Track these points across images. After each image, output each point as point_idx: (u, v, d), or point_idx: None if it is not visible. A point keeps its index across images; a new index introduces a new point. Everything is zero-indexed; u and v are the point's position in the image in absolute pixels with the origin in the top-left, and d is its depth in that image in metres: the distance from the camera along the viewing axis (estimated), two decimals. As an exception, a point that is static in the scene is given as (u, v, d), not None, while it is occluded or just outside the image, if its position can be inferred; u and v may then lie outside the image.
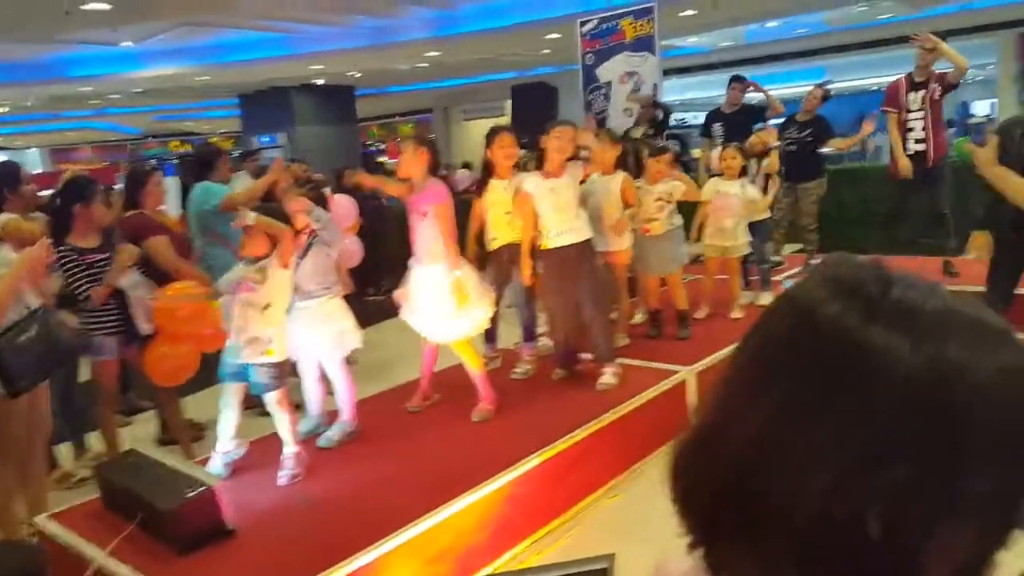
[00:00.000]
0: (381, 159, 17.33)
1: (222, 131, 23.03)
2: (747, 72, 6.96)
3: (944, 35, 5.51)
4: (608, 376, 4.05)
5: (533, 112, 13.54)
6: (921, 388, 0.48)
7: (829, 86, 6.46)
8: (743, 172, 5.15)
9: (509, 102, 17.98)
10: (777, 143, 5.79)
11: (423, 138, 3.78)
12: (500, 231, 4.20)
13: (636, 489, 3.63)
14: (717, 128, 6.45)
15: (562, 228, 3.94)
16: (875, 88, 20.70)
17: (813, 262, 6.18)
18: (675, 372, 4.19)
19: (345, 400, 3.65)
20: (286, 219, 3.27)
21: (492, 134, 4.16)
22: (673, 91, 17.92)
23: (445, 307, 3.61)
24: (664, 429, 4.03)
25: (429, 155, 3.62)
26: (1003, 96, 14.25)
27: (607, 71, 7.31)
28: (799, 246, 6.61)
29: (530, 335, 4.45)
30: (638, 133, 6.29)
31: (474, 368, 3.82)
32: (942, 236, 5.75)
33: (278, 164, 4.77)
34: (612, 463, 3.70)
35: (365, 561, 2.61)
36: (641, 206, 4.65)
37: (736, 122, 6.23)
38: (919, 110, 5.42)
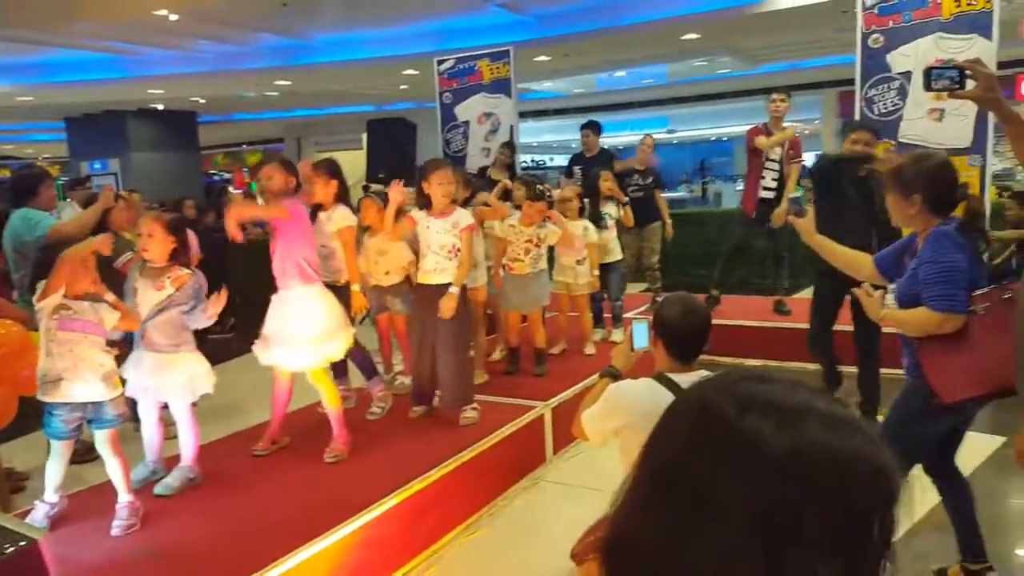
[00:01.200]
0: (228, 188, 16.56)
1: (46, 156, 21.22)
2: (597, 118, 7.24)
3: (790, 90, 5.98)
4: (469, 411, 4.03)
5: (390, 147, 13.40)
6: (789, 463, 0.58)
7: (673, 135, 6.84)
8: (582, 212, 5.31)
9: (365, 135, 17.71)
10: (626, 198, 6.02)
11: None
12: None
13: (495, 524, 3.60)
14: (577, 171, 6.68)
15: (434, 266, 3.95)
16: (714, 138, 22.24)
17: (659, 299, 6.47)
18: (532, 407, 4.23)
19: (189, 445, 3.40)
20: (122, 250, 3.04)
21: None
22: (530, 133, 18.39)
23: (299, 333, 3.50)
24: (522, 464, 4.07)
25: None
26: (827, 148, 15.72)
27: (465, 110, 7.42)
28: (644, 285, 6.92)
29: (369, 372, 4.36)
30: (498, 176, 6.41)
31: (331, 405, 3.68)
32: (778, 276, 6.21)
33: (108, 192, 4.44)
34: (471, 500, 3.65)
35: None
36: (510, 245, 4.73)
37: (594, 165, 6.44)
38: (774, 160, 5.85)
